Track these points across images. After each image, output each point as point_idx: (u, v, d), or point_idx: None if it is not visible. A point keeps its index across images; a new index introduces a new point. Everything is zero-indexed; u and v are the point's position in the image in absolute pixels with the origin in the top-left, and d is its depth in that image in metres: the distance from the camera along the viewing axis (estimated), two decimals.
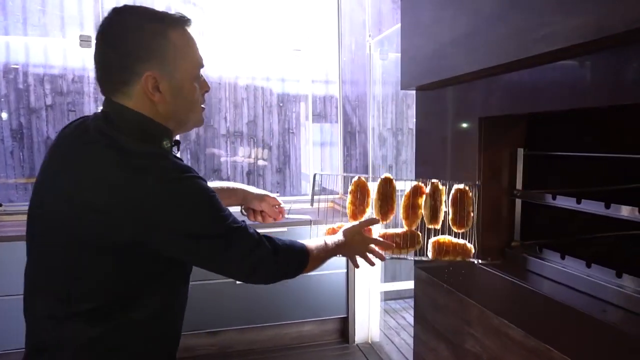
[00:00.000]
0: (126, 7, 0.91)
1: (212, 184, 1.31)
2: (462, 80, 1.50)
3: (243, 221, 0.98)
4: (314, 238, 1.19)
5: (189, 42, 0.94)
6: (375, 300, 2.91)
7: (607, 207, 1.13)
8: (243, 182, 3.57)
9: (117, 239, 0.84)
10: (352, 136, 3.58)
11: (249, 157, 3.64)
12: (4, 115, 3.12)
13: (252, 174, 3.67)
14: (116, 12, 0.90)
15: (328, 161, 3.64)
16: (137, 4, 0.99)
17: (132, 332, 0.91)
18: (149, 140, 0.91)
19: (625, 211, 1.08)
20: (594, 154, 1.39)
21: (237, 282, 2.69)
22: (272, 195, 1.37)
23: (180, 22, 0.93)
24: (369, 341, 2.93)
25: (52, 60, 3.15)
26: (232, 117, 3.58)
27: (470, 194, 1.38)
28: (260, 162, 3.65)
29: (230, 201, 1.31)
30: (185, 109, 0.95)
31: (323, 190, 1.36)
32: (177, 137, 1.03)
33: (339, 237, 1.21)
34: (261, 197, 1.34)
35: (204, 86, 1.00)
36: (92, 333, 0.87)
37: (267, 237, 1.01)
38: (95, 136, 0.88)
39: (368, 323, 2.92)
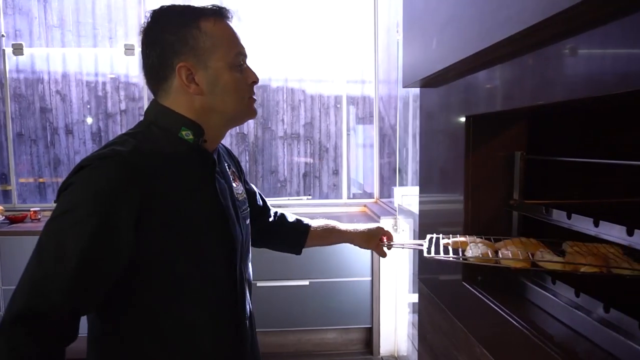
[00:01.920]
0: (161, 7, 0.93)
1: (314, 222, 1.31)
2: (451, 76, 1.34)
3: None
4: None
5: (225, 31, 0.92)
6: (403, 311, 2.75)
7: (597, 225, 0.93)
8: (299, 185, 3.59)
9: None
10: (385, 138, 3.43)
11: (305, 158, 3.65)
12: (89, 120, 3.40)
13: (309, 176, 3.65)
14: (152, 12, 0.93)
15: (368, 163, 3.51)
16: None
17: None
18: (161, 133, 0.91)
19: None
20: (610, 160, 1.17)
21: (259, 285, 2.68)
22: (373, 227, 1.32)
23: (213, 12, 0.92)
24: (395, 354, 2.77)
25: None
26: (290, 119, 3.60)
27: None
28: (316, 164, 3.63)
29: (329, 241, 1.32)
30: (226, 99, 0.92)
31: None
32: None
33: None
34: (366, 239, 1.30)
35: (250, 76, 0.95)
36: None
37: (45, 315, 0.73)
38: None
39: (394, 335, 2.76)
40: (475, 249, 1.05)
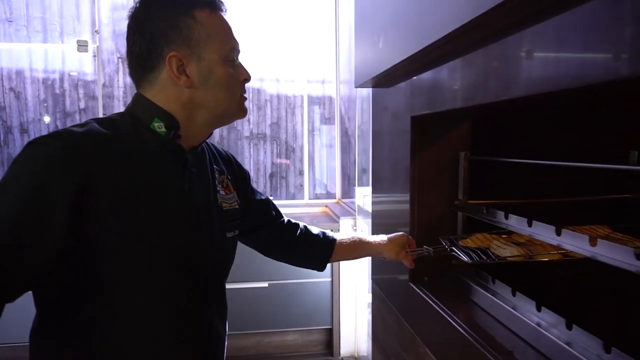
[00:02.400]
0: None
1: (339, 235, 1.22)
2: (398, 77, 1.34)
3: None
4: None
5: (220, 23, 0.87)
6: (363, 312, 2.75)
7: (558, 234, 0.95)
8: (266, 185, 3.54)
9: None
10: (352, 138, 3.43)
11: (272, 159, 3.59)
12: (47, 119, 3.25)
13: (275, 176, 3.60)
14: None
15: (331, 164, 3.50)
16: None
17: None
18: (132, 122, 0.85)
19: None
20: (549, 162, 1.19)
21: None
22: (398, 235, 1.23)
23: (207, 3, 0.86)
24: (355, 354, 2.77)
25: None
26: (256, 119, 3.54)
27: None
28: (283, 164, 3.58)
29: (356, 254, 1.26)
30: (218, 95, 0.86)
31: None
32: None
33: None
34: (394, 249, 1.20)
35: (243, 73, 0.90)
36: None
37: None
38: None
39: (355, 335, 2.76)
40: (501, 249, 1.05)
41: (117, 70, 3.33)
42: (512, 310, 1.00)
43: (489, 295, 1.10)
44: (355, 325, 2.75)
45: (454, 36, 0.86)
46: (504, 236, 1.15)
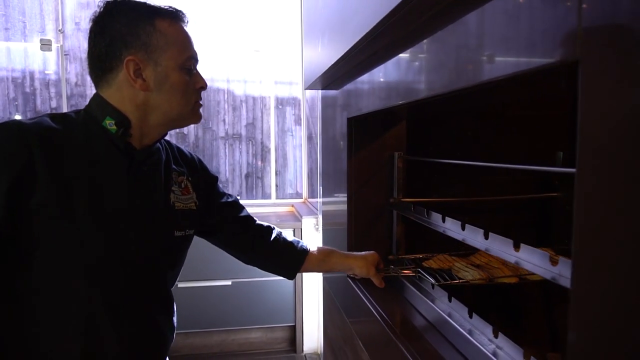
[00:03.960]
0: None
1: (312, 247, 1.20)
2: (339, 80, 1.39)
3: None
4: None
5: (179, 33, 0.92)
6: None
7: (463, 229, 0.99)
8: (242, 186, 3.55)
9: None
10: (313, 139, 3.47)
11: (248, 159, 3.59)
12: (17, 118, 3.21)
13: (251, 177, 3.61)
14: (106, 3, 0.90)
15: (299, 164, 3.54)
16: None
17: None
18: (85, 119, 0.89)
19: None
20: (477, 162, 1.24)
21: (180, 285, 2.65)
22: (369, 254, 1.22)
23: (169, 13, 0.92)
24: (318, 351, 2.81)
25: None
26: (231, 119, 3.54)
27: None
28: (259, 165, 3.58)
29: (328, 266, 1.21)
30: (172, 99, 0.91)
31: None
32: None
33: None
34: (365, 265, 1.19)
35: (199, 81, 0.95)
36: None
37: None
38: None
39: (317, 332, 2.80)
40: (463, 271, 1.11)
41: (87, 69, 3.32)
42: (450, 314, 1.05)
43: (415, 290, 1.15)
44: (318, 323, 2.79)
45: (375, 34, 0.89)
46: (464, 259, 1.21)
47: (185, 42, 0.93)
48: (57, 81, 3.19)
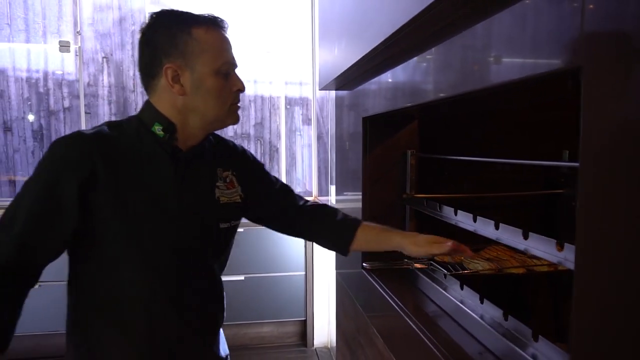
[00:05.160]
0: (161, 11, 1.00)
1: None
2: (355, 81, 1.45)
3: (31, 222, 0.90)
4: None
5: (215, 39, 0.98)
6: (335, 304, 2.86)
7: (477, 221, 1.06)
8: None
9: None
10: (324, 138, 3.54)
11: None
12: (31, 117, 3.30)
13: None
14: (151, 15, 0.99)
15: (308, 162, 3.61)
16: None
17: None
18: (137, 125, 0.99)
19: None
20: (491, 159, 1.31)
21: None
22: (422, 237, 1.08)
23: (206, 20, 0.98)
24: (328, 345, 2.89)
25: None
26: (240, 118, 3.60)
27: None
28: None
29: (384, 243, 1.14)
30: (208, 102, 0.97)
31: None
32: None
33: None
34: (418, 244, 1.06)
35: (236, 84, 1.00)
36: None
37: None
38: None
39: (328, 327, 2.87)
40: (473, 263, 1.18)
41: (102, 69, 3.40)
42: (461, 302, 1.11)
43: (428, 280, 1.22)
44: (328, 317, 2.86)
45: (394, 40, 0.96)
46: (474, 253, 1.27)
47: (220, 48, 0.98)
48: (71, 82, 3.27)
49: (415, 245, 1.06)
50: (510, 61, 0.69)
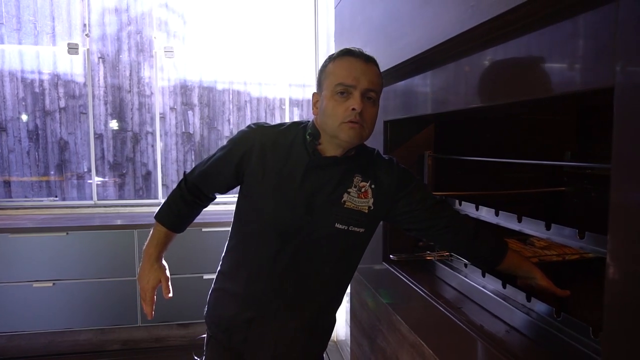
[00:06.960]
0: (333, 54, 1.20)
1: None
2: None
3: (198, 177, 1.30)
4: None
5: (337, 67, 1.14)
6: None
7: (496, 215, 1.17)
8: None
9: None
10: None
11: None
12: (24, 117, 3.33)
13: None
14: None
15: None
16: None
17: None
18: (300, 129, 1.23)
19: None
20: (501, 159, 1.43)
21: (205, 277, 2.81)
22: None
23: (340, 54, 1.16)
24: (335, 339, 2.99)
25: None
26: (236, 119, 3.69)
27: None
28: None
29: (520, 268, 1.19)
30: (326, 121, 1.14)
31: None
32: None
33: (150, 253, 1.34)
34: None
35: (351, 104, 1.10)
36: None
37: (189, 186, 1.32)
38: None
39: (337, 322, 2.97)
40: None
41: (98, 70, 3.45)
42: (483, 290, 1.23)
43: (446, 268, 1.33)
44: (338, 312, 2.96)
45: (418, 58, 1.09)
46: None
47: (338, 72, 1.13)
48: (67, 82, 3.31)
49: (543, 279, 1.12)
50: (536, 79, 0.81)
